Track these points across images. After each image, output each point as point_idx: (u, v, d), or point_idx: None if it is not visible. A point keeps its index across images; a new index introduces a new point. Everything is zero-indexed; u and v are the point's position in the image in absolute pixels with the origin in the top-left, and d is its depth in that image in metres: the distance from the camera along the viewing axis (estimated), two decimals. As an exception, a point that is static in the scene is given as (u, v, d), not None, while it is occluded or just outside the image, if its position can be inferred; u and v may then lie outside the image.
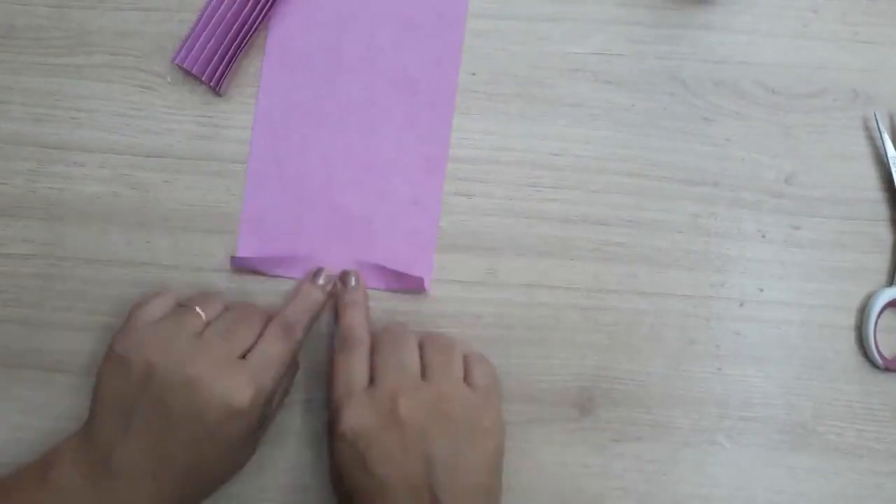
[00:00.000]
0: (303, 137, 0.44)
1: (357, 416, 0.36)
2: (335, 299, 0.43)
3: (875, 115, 0.45)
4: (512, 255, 0.44)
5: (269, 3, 0.44)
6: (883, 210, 0.45)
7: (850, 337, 0.44)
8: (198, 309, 0.39)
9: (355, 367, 0.38)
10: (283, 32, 0.45)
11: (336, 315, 0.43)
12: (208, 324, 0.39)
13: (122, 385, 0.37)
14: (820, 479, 0.43)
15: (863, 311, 0.44)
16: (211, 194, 0.45)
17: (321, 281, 0.43)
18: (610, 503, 0.43)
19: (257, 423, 0.38)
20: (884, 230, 0.45)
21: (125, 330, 0.38)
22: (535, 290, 0.44)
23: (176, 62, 0.44)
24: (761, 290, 0.44)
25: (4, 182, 0.45)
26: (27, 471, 0.37)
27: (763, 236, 0.45)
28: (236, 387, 0.36)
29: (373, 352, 0.39)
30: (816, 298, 0.44)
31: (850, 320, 0.44)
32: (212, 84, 0.44)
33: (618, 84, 0.46)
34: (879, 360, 0.43)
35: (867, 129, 0.46)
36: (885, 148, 0.45)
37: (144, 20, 0.46)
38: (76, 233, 0.44)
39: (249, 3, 0.44)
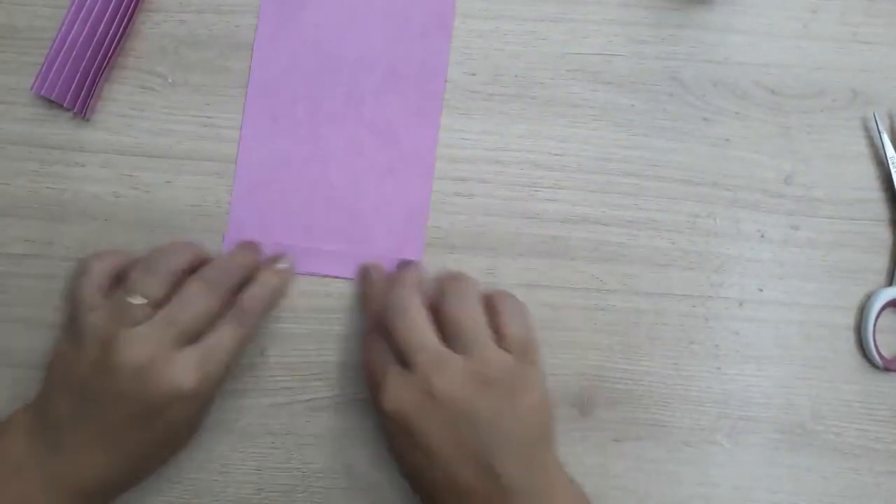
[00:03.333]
0: (281, 189, 0.44)
1: (395, 398, 0.37)
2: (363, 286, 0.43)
3: (874, 116, 0.45)
4: (512, 255, 0.44)
5: (126, 22, 0.44)
6: (882, 210, 0.45)
7: (850, 337, 0.44)
8: (137, 299, 0.38)
9: (386, 347, 0.39)
10: (265, 78, 0.45)
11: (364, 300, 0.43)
12: (159, 306, 0.38)
13: (75, 365, 0.37)
14: (820, 478, 0.43)
15: (862, 311, 0.44)
16: (211, 194, 0.45)
17: (283, 265, 0.42)
18: (610, 503, 0.43)
19: (203, 407, 0.39)
20: (883, 230, 0.45)
21: (77, 310, 0.38)
22: (535, 290, 0.44)
23: (34, 91, 0.43)
24: (761, 290, 0.44)
25: (5, 182, 0.45)
26: None
27: (762, 236, 0.45)
28: (183, 373, 0.36)
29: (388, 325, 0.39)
30: (816, 298, 0.44)
31: (850, 320, 0.44)
32: (76, 109, 0.43)
33: (618, 84, 0.46)
34: (879, 360, 0.43)
35: (867, 129, 0.46)
36: (884, 148, 0.45)
37: (144, 20, 0.46)
38: (77, 233, 0.44)
39: (103, 24, 0.43)
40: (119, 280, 0.39)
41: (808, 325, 0.44)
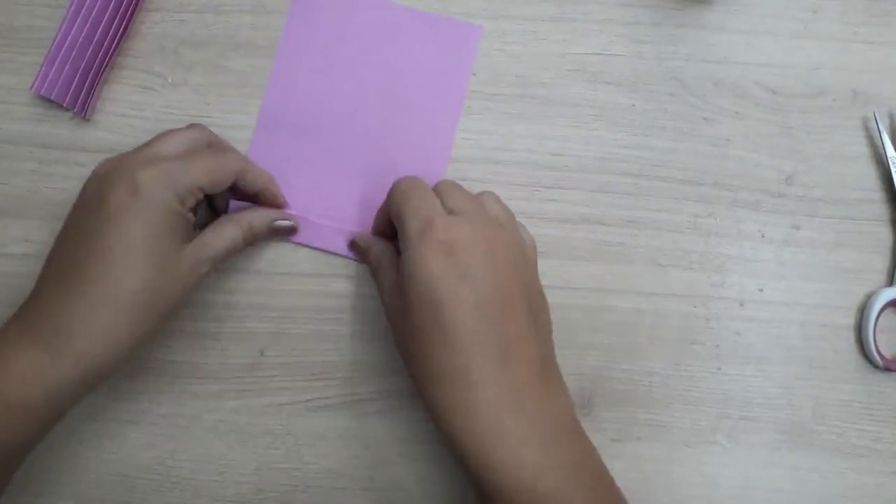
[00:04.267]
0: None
1: (453, 227, 0.36)
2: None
3: (875, 116, 0.45)
4: (512, 255, 0.44)
5: (126, 22, 0.44)
6: (883, 210, 0.45)
7: (850, 337, 0.44)
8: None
9: (427, 196, 0.38)
10: (274, 108, 0.45)
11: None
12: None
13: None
14: (820, 479, 0.43)
15: (863, 311, 0.44)
16: (211, 194, 0.45)
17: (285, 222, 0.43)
18: (610, 503, 0.43)
19: (164, 220, 0.36)
20: (884, 230, 0.45)
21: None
22: (535, 290, 0.44)
23: (34, 91, 0.43)
24: (761, 290, 0.44)
25: (5, 182, 0.45)
26: None
27: (763, 236, 0.45)
28: (141, 170, 0.36)
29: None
30: (816, 298, 0.44)
31: (850, 320, 0.44)
32: (76, 109, 0.43)
33: (618, 84, 0.46)
34: (879, 360, 0.43)
35: (867, 129, 0.46)
36: (884, 148, 0.45)
37: (144, 20, 0.46)
38: (76, 233, 0.44)
39: (103, 24, 0.43)
40: None
41: (809, 325, 0.44)
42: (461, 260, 0.35)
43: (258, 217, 0.42)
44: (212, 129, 0.45)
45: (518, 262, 0.37)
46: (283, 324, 0.44)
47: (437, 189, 0.39)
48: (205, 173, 0.38)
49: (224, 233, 0.40)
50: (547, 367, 0.37)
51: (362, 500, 0.43)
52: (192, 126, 0.42)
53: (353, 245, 0.44)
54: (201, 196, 0.38)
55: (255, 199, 0.43)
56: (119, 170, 0.37)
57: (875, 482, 0.43)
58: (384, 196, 0.40)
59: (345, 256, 0.44)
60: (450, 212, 0.37)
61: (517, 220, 0.40)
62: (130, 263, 0.35)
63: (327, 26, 0.45)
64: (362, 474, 0.43)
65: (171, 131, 0.40)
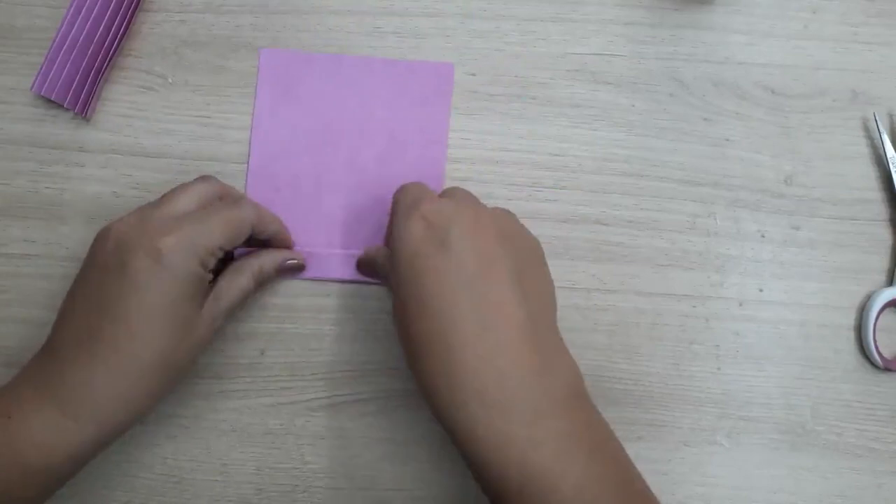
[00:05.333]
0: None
1: (439, 204, 0.36)
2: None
3: (874, 116, 0.45)
4: (512, 255, 0.44)
5: (126, 22, 0.44)
6: (883, 210, 0.45)
7: (850, 337, 0.44)
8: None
9: (422, 186, 0.39)
10: (266, 151, 0.45)
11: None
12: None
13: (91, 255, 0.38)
14: (820, 479, 0.43)
15: (862, 311, 0.44)
16: (211, 194, 0.45)
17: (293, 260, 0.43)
18: (610, 503, 0.43)
19: (184, 286, 0.36)
20: (884, 230, 0.45)
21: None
22: (535, 290, 0.44)
23: (34, 91, 0.43)
24: (761, 291, 0.44)
25: (5, 182, 0.45)
26: None
27: (763, 236, 0.45)
28: (161, 235, 0.36)
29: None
30: (816, 298, 0.44)
31: (850, 320, 0.44)
32: (76, 109, 0.43)
33: (618, 84, 0.46)
34: (879, 360, 0.43)
35: (867, 129, 0.46)
36: (884, 148, 0.45)
37: (144, 20, 0.46)
38: (77, 233, 0.44)
39: (103, 24, 0.43)
40: None
41: (809, 325, 0.44)
42: (440, 227, 0.34)
43: (268, 261, 0.42)
44: (212, 130, 0.45)
45: (508, 235, 0.36)
46: (283, 324, 0.44)
47: (443, 192, 0.39)
48: (224, 233, 0.38)
49: (236, 283, 0.40)
50: (538, 334, 0.35)
51: (362, 500, 0.43)
52: (201, 179, 0.41)
53: (360, 262, 0.43)
54: (221, 255, 0.38)
55: (266, 244, 0.43)
56: (139, 234, 0.36)
57: (875, 482, 0.43)
58: (386, 218, 0.40)
59: (360, 282, 0.44)
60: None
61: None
62: (152, 332, 0.36)
63: (301, 83, 0.45)
64: (362, 474, 0.43)
65: (183, 186, 0.39)
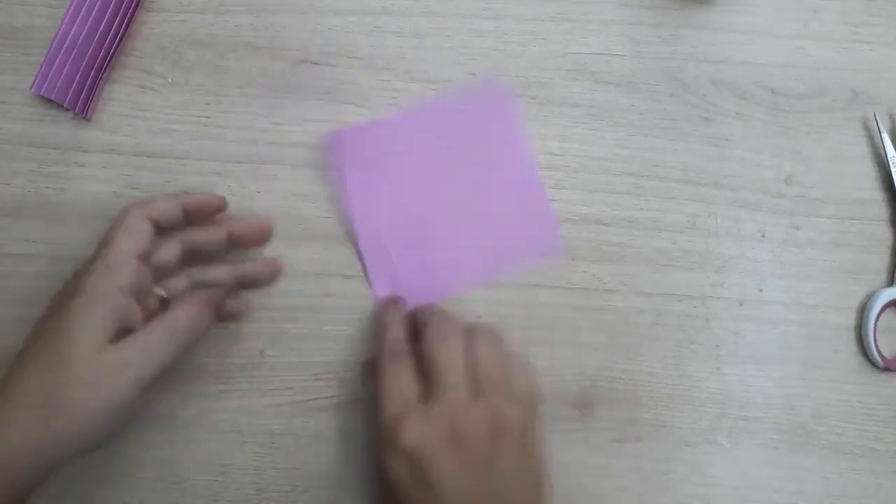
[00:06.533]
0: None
1: (419, 432, 0.36)
2: (376, 315, 0.43)
3: (874, 116, 0.45)
4: (512, 255, 0.44)
5: (126, 22, 0.44)
6: (883, 210, 0.45)
7: (850, 337, 0.44)
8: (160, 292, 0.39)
9: (406, 379, 0.38)
10: (369, 229, 0.44)
11: (377, 330, 0.43)
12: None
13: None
14: (820, 479, 0.43)
15: (863, 311, 0.44)
16: (211, 194, 0.45)
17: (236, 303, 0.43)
18: (610, 503, 0.43)
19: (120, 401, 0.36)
20: (884, 230, 0.45)
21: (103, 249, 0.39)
22: (535, 290, 0.44)
23: (33, 91, 0.43)
24: (761, 290, 0.44)
25: (6, 182, 0.45)
26: None
27: (763, 236, 0.45)
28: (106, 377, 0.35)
29: (420, 350, 0.39)
30: (816, 298, 0.44)
31: (850, 320, 0.44)
32: (76, 110, 0.43)
33: (618, 84, 0.46)
34: (879, 360, 0.43)
35: (867, 129, 0.46)
36: (884, 148, 0.45)
37: (144, 20, 0.46)
38: (77, 233, 0.44)
39: (103, 24, 0.43)
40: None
41: (809, 325, 0.44)
42: (424, 468, 0.35)
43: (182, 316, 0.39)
44: (212, 130, 0.45)
45: (495, 435, 0.36)
46: (283, 324, 0.44)
47: (475, 333, 0.39)
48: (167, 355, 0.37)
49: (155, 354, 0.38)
50: None
51: (362, 500, 0.43)
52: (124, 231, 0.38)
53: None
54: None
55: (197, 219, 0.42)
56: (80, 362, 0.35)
57: (874, 482, 0.43)
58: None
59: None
60: (469, 373, 0.37)
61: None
62: (95, 420, 0.36)
63: (377, 152, 0.45)
64: (362, 474, 0.43)
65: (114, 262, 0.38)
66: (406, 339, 0.40)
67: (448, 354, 0.38)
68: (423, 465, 0.35)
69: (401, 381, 0.38)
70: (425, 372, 0.38)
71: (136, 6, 0.45)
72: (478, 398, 0.37)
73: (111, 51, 0.44)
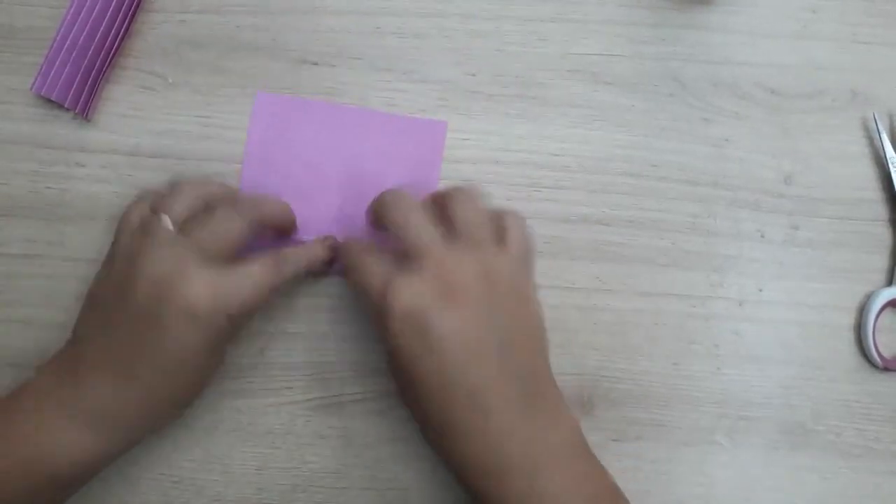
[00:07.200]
0: None
1: (409, 293, 0.34)
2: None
3: (874, 116, 0.45)
4: (512, 255, 0.44)
5: (126, 23, 0.44)
6: (882, 210, 0.45)
7: (850, 337, 0.44)
8: (166, 219, 0.38)
9: (380, 259, 0.37)
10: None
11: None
12: (185, 223, 0.38)
13: (102, 285, 0.39)
14: (819, 478, 0.43)
15: (862, 311, 0.44)
16: (211, 194, 0.45)
17: (327, 242, 0.42)
18: (610, 503, 0.43)
19: (216, 345, 0.37)
20: (883, 230, 0.45)
21: (116, 233, 0.39)
22: (535, 290, 0.44)
23: (34, 91, 0.43)
24: (760, 290, 0.45)
25: (5, 182, 0.45)
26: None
27: (762, 236, 0.45)
28: (196, 288, 0.35)
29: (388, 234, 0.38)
30: (816, 298, 0.45)
31: (850, 320, 0.44)
32: (76, 110, 0.43)
33: (618, 84, 0.46)
34: (879, 360, 0.43)
35: (866, 129, 0.46)
36: (884, 148, 0.45)
37: (144, 20, 0.46)
38: (78, 233, 0.44)
39: (104, 24, 0.43)
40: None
41: (808, 325, 0.44)
42: (419, 328, 0.34)
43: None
44: (212, 130, 0.45)
45: (488, 289, 0.35)
46: (283, 324, 0.44)
47: (448, 196, 0.38)
48: (254, 297, 0.37)
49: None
50: (534, 397, 0.36)
51: (362, 500, 0.43)
52: (202, 183, 0.40)
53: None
54: (248, 320, 0.41)
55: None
56: (174, 282, 0.36)
57: (874, 482, 0.43)
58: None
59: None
60: (447, 233, 0.37)
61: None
62: (182, 379, 0.38)
63: (294, 129, 0.45)
64: (362, 474, 0.43)
65: (192, 188, 0.39)
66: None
67: (415, 218, 0.37)
68: (422, 321, 0.34)
69: (376, 261, 0.37)
70: (401, 252, 0.37)
71: (137, 6, 0.45)
72: (464, 254, 0.36)
73: (111, 51, 0.44)
